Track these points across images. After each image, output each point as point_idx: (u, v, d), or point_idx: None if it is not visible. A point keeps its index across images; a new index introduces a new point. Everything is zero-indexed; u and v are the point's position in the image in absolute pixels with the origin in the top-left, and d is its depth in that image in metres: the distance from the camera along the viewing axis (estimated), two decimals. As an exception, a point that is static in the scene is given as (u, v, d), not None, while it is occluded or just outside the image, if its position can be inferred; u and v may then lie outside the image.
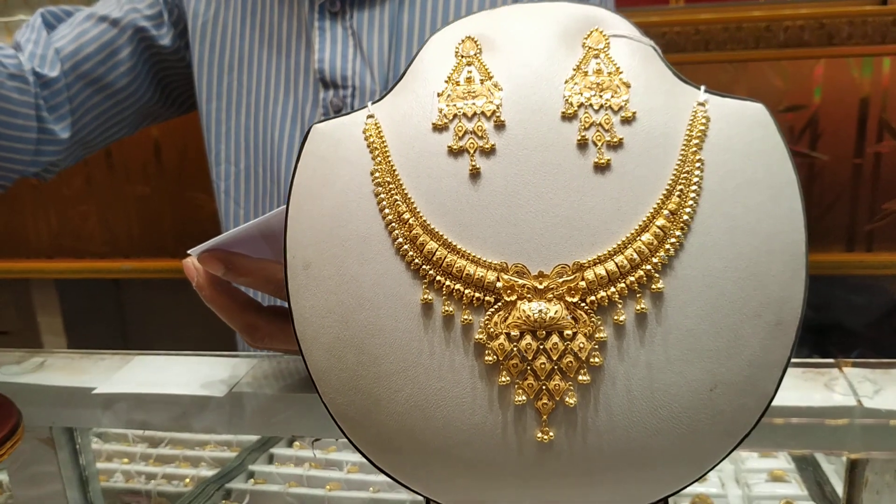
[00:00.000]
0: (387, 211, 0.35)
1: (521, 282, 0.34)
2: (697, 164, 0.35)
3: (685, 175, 0.34)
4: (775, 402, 0.36)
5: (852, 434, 0.49)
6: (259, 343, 0.50)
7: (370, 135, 0.37)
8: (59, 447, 0.62)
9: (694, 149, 0.35)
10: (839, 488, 0.65)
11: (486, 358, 0.34)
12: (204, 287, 0.46)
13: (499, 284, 0.34)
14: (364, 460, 0.78)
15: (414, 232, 0.35)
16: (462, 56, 0.37)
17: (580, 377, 0.34)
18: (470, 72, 0.37)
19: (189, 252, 0.45)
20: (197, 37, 0.84)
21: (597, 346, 0.34)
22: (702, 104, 0.36)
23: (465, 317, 0.34)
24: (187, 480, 0.86)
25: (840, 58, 1.21)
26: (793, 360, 0.35)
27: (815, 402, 0.49)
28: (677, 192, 0.34)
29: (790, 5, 1.21)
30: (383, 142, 0.36)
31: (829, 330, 1.38)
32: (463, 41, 0.38)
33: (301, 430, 0.57)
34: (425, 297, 0.34)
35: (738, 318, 0.34)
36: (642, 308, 0.34)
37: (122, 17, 0.85)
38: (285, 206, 0.43)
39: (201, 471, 0.87)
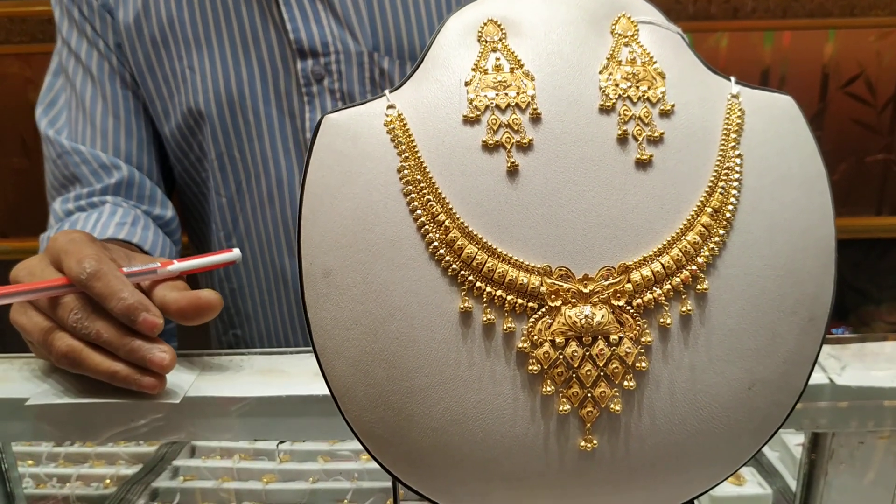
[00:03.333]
0: (419, 212, 0.32)
1: (565, 286, 0.32)
2: (737, 160, 0.34)
3: (726, 171, 0.33)
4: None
5: (824, 411, 0.51)
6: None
7: (394, 127, 0.33)
8: (-20, 464, 0.55)
9: (732, 143, 0.34)
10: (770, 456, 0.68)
11: (531, 367, 0.32)
12: None
13: (542, 289, 0.32)
14: (296, 447, 0.74)
15: (451, 235, 0.32)
16: (486, 41, 0.34)
17: (626, 383, 0.32)
18: (498, 58, 0.34)
19: None
20: (136, 43, 0.78)
21: (643, 350, 0.32)
22: (735, 96, 0.35)
23: (508, 325, 0.32)
24: (107, 481, 0.80)
25: (744, 31, 1.25)
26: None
27: (791, 381, 0.50)
28: (720, 189, 0.33)
29: (699, -21, 1.24)
30: (409, 136, 0.33)
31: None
32: (486, 24, 0.35)
33: (265, 433, 0.53)
34: (464, 304, 0.32)
35: (776, 315, 0.34)
36: (688, 309, 0.33)
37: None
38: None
39: (120, 469, 0.81)
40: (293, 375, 0.54)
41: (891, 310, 1.63)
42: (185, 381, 0.54)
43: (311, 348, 0.34)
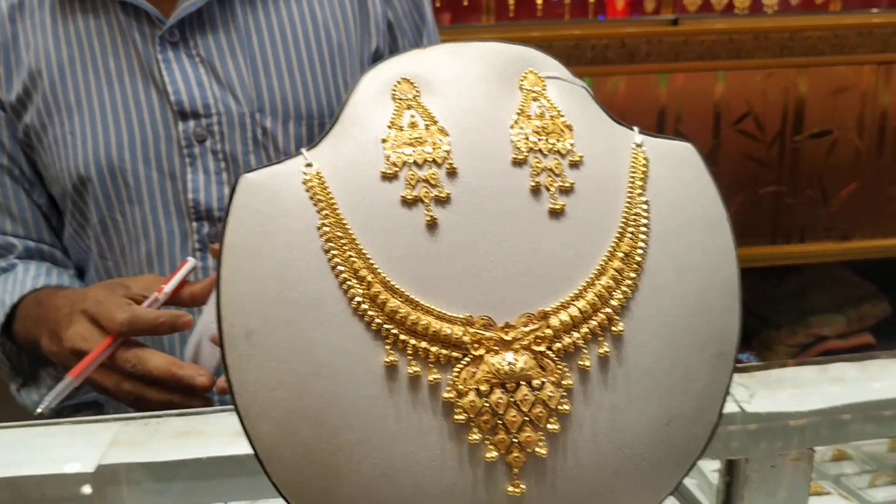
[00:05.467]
0: (340, 268, 0.33)
1: (487, 334, 0.33)
2: (643, 206, 0.35)
3: (634, 217, 0.35)
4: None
5: (736, 437, 0.53)
6: None
7: (312, 185, 0.34)
8: None
9: (639, 191, 0.35)
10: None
11: (457, 416, 0.32)
12: None
13: (465, 339, 0.33)
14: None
15: (373, 290, 0.32)
16: (401, 99, 0.35)
17: (549, 426, 0.33)
18: (413, 116, 0.35)
19: None
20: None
21: (565, 393, 0.33)
22: (639, 145, 0.37)
23: (433, 376, 0.32)
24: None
25: (640, 74, 1.31)
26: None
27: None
28: (629, 235, 0.35)
29: (594, 25, 1.29)
30: (328, 193, 0.33)
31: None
32: (399, 83, 0.36)
33: (187, 498, 0.52)
34: (389, 358, 0.32)
35: (688, 352, 0.35)
36: (605, 351, 0.34)
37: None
38: None
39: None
40: (212, 436, 0.53)
41: (790, 333, 1.71)
42: (97, 449, 0.52)
43: (230, 407, 0.34)
